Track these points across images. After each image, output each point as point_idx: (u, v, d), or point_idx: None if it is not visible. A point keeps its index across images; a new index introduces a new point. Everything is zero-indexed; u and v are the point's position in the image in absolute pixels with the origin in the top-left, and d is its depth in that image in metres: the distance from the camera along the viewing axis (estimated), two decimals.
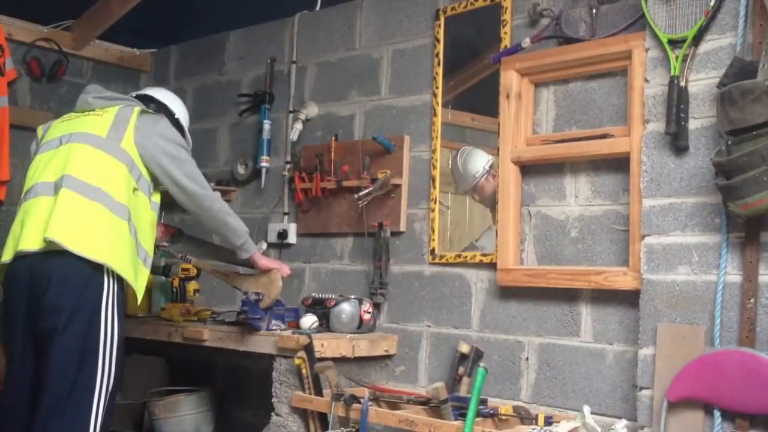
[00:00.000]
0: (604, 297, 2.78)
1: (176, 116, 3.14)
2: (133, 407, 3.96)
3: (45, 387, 2.53)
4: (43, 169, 2.75)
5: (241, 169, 4.03)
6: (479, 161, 3.19)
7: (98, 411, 2.55)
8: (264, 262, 3.18)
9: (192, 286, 3.85)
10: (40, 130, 2.95)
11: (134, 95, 3.11)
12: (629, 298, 2.68)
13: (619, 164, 2.78)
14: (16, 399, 2.62)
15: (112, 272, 2.63)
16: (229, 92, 4.19)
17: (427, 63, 3.38)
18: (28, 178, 2.82)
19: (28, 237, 2.63)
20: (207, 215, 2.94)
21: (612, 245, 2.80)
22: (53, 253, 2.57)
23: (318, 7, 3.82)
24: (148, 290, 4.04)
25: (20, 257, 2.64)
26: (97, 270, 2.60)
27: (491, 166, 3.14)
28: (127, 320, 3.70)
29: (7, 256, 2.69)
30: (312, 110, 3.77)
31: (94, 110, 2.86)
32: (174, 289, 3.81)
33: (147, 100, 3.07)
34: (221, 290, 3.87)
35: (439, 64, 3.32)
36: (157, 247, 3.12)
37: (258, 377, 3.54)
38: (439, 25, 3.33)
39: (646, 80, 2.62)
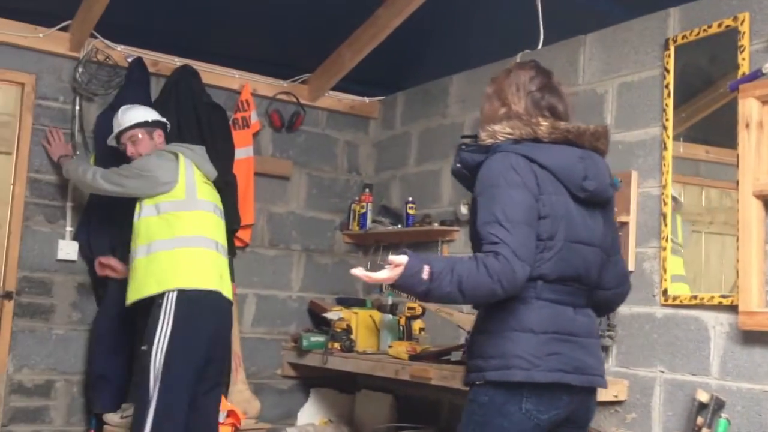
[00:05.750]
0: None
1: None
2: None
3: None
4: None
5: (464, 209, 4.07)
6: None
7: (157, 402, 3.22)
8: None
9: (417, 324, 3.93)
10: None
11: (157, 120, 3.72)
12: None
13: None
14: None
15: (167, 296, 3.30)
16: (453, 134, 4.27)
17: (655, 95, 3.25)
18: None
19: None
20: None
21: None
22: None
23: (540, 46, 3.81)
24: (376, 328, 4.22)
25: None
26: (154, 303, 3.33)
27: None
28: (357, 356, 3.90)
29: None
30: None
31: None
32: (401, 327, 3.92)
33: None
34: (446, 329, 3.92)
35: (669, 95, 3.17)
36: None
37: None
38: (669, 55, 3.19)
39: None
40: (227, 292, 3.49)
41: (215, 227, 3.55)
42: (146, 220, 3.45)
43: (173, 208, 3.44)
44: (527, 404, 2.06)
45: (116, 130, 3.63)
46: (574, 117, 2.30)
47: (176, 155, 3.52)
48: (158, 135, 3.66)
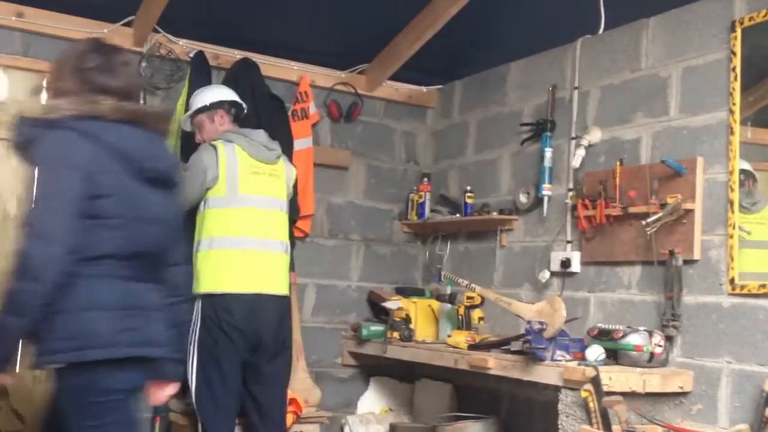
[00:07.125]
0: None
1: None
2: (423, 430, 4.10)
3: None
4: None
5: (523, 198, 4.03)
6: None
7: (196, 401, 3.38)
8: None
9: (477, 314, 3.91)
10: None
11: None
12: None
13: None
14: None
15: (200, 298, 3.34)
16: (511, 122, 4.23)
17: (721, 78, 3.15)
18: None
19: None
20: None
21: None
22: None
23: (601, 30, 3.74)
24: (435, 318, 4.22)
25: None
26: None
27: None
28: (416, 345, 3.90)
29: None
30: (595, 135, 3.68)
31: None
32: (459, 317, 3.91)
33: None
34: (505, 318, 3.89)
35: (735, 78, 3.08)
36: None
37: (543, 408, 3.49)
38: (735, 38, 3.09)
39: None
40: (272, 288, 3.42)
41: (263, 223, 3.44)
42: (200, 214, 3.44)
43: (215, 205, 3.40)
44: (107, 381, 2.13)
45: (185, 117, 3.66)
46: (137, 97, 2.37)
47: (215, 147, 3.43)
48: (219, 117, 3.58)
